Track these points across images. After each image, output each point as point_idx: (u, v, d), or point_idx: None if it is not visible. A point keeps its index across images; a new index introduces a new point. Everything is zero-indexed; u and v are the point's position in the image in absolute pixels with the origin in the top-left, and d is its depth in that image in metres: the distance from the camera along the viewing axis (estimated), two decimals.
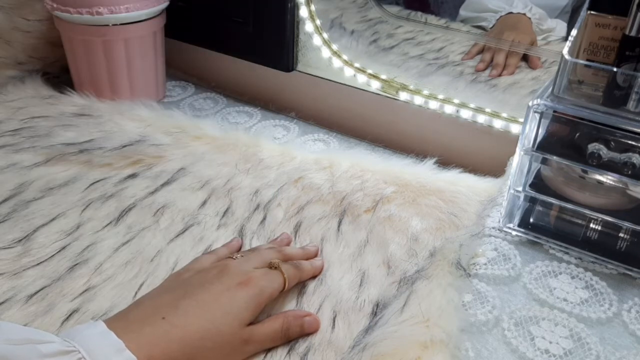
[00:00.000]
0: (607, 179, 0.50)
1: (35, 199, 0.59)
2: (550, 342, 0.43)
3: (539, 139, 0.50)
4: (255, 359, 0.44)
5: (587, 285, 0.48)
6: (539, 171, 0.55)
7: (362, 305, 0.49)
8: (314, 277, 0.51)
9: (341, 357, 0.44)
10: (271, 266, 0.47)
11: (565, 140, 0.50)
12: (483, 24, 0.71)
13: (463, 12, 0.73)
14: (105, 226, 0.57)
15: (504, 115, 0.67)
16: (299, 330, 0.45)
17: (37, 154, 0.66)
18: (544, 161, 0.53)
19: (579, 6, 0.50)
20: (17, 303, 0.47)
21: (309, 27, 0.76)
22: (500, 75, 0.68)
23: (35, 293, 0.48)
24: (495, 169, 0.65)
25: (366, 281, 0.51)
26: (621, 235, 0.52)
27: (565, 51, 0.48)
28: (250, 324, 0.43)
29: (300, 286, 0.50)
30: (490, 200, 0.60)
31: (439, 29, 0.74)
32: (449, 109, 0.70)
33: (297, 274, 0.49)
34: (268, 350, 0.44)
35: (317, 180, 0.64)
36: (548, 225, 0.54)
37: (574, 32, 0.48)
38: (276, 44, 0.78)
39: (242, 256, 0.48)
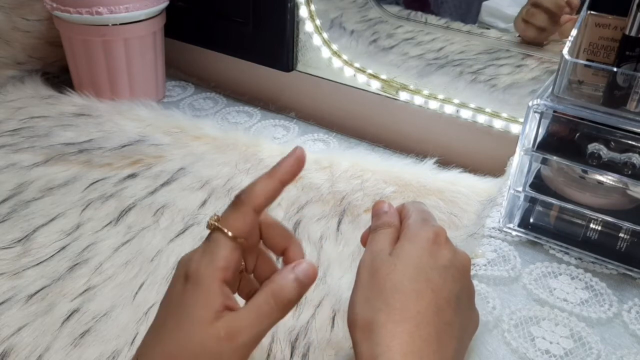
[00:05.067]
0: (607, 179, 0.50)
1: (35, 199, 0.59)
2: (551, 343, 0.43)
3: (539, 139, 0.50)
4: None
5: (587, 286, 0.48)
6: (539, 171, 0.55)
7: None
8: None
9: (341, 356, 0.44)
10: (209, 226, 0.36)
11: (565, 140, 0.50)
12: (509, 34, 0.71)
13: (487, 18, 0.72)
14: (105, 226, 0.57)
15: (504, 115, 0.67)
16: (296, 286, 0.35)
17: (36, 154, 0.66)
18: (544, 161, 0.53)
19: None
20: (17, 303, 0.47)
21: (308, 27, 0.76)
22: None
23: (36, 293, 0.48)
24: (495, 169, 0.65)
25: None
26: (621, 235, 0.52)
27: (565, 51, 0.48)
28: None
29: None
30: (490, 200, 0.60)
31: (439, 29, 0.74)
32: (449, 109, 0.70)
33: (239, 211, 0.36)
34: (269, 351, 0.44)
35: (317, 180, 0.64)
36: (548, 225, 0.54)
37: (574, 32, 0.48)
38: (276, 44, 0.78)
39: None
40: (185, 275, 0.35)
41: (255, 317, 0.34)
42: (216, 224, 0.35)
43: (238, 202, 0.36)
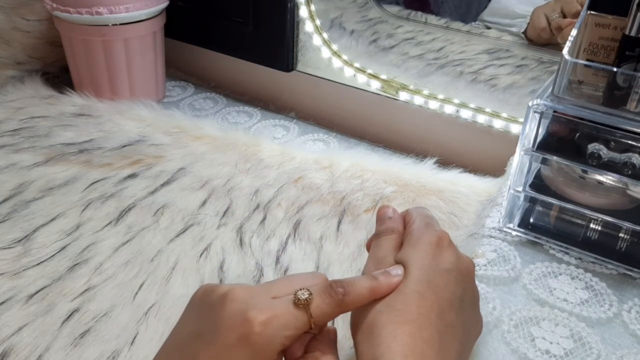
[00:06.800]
0: (607, 179, 0.50)
1: (35, 199, 0.59)
2: (551, 343, 0.43)
3: (539, 139, 0.50)
4: None
5: (587, 285, 0.48)
6: (539, 171, 0.55)
7: None
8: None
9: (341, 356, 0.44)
10: (296, 301, 0.34)
11: (565, 140, 0.50)
12: (513, 29, 0.71)
13: (488, 17, 0.72)
14: (105, 226, 0.57)
15: (504, 115, 0.67)
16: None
17: (36, 154, 0.66)
18: (544, 161, 0.53)
19: None
20: (17, 303, 0.47)
21: (309, 27, 0.76)
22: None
23: (36, 293, 0.48)
24: (495, 169, 0.65)
25: None
26: (621, 235, 0.52)
27: (565, 51, 0.48)
28: None
29: None
30: (490, 200, 0.60)
31: (439, 29, 0.74)
32: (449, 109, 0.70)
33: (333, 308, 0.34)
34: None
35: (317, 180, 0.64)
36: (548, 225, 0.54)
37: (574, 32, 0.48)
38: (276, 44, 0.78)
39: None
40: (242, 335, 0.32)
41: None
42: (308, 299, 0.34)
43: (335, 296, 0.35)
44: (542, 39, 0.68)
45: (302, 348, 0.35)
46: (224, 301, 0.34)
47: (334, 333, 0.37)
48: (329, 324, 0.38)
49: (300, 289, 0.34)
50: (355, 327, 0.36)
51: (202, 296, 0.36)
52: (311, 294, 0.34)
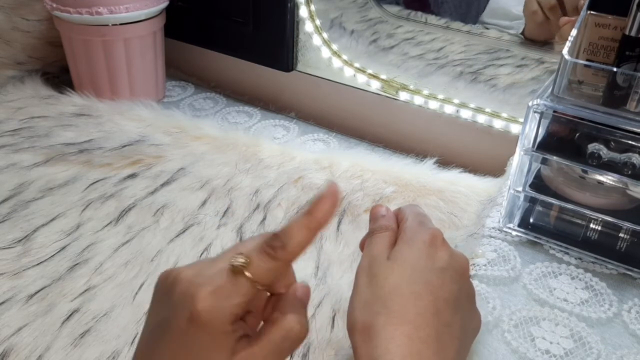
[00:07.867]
0: (607, 179, 0.50)
1: (35, 199, 0.59)
2: (551, 343, 0.43)
3: (539, 139, 0.50)
4: None
5: (587, 285, 0.48)
6: (539, 171, 0.55)
7: None
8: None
9: (341, 356, 0.44)
10: (232, 269, 0.32)
11: (565, 140, 0.50)
12: (511, 31, 0.71)
13: (487, 19, 0.72)
14: (105, 226, 0.57)
15: (504, 115, 0.67)
16: (305, 322, 0.34)
17: (36, 154, 0.66)
18: (544, 161, 0.53)
19: None
20: (17, 303, 0.47)
21: (308, 27, 0.76)
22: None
23: (36, 293, 0.48)
24: (495, 169, 0.65)
25: None
26: (621, 235, 0.52)
27: (565, 51, 0.48)
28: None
29: None
30: (490, 200, 0.60)
31: (439, 29, 0.74)
32: (449, 109, 0.70)
33: (273, 264, 0.32)
34: None
35: (317, 180, 0.64)
36: (548, 225, 0.54)
37: (574, 32, 0.48)
38: (276, 44, 0.78)
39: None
40: (190, 316, 0.31)
41: (271, 352, 0.32)
42: (246, 273, 0.32)
43: (273, 252, 0.33)
44: (538, 33, 0.68)
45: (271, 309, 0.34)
46: (174, 285, 0.32)
47: (303, 290, 0.35)
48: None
49: (234, 256, 0.32)
50: (352, 328, 0.36)
51: (161, 283, 0.34)
52: (246, 257, 0.32)
